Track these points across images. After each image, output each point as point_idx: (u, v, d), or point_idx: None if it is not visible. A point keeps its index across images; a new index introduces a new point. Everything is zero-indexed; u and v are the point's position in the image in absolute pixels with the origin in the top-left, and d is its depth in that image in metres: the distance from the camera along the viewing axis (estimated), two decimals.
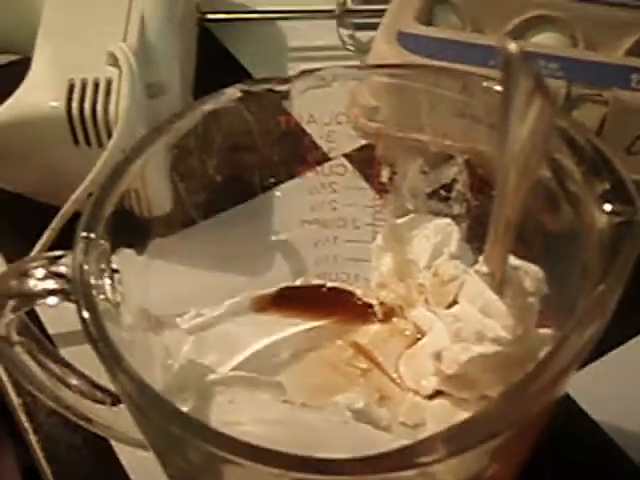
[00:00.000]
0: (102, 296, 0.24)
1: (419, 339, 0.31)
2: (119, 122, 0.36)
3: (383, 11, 0.40)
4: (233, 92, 0.29)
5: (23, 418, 0.35)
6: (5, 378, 0.36)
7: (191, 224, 0.31)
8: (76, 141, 0.37)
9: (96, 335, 0.22)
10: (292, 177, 0.32)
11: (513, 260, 0.27)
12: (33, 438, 0.34)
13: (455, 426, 0.20)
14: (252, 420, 0.26)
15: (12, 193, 0.40)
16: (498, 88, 0.26)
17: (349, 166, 0.33)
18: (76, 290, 0.24)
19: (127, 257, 0.27)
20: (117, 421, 0.30)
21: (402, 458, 0.20)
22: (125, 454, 0.33)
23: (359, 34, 0.49)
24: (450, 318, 0.28)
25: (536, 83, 0.20)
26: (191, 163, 0.30)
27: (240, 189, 0.33)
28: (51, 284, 0.25)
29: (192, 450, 0.22)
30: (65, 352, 0.33)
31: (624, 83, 0.36)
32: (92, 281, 0.24)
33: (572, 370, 0.21)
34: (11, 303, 0.26)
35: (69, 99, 0.36)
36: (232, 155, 0.31)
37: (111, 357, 0.22)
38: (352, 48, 0.49)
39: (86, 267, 0.24)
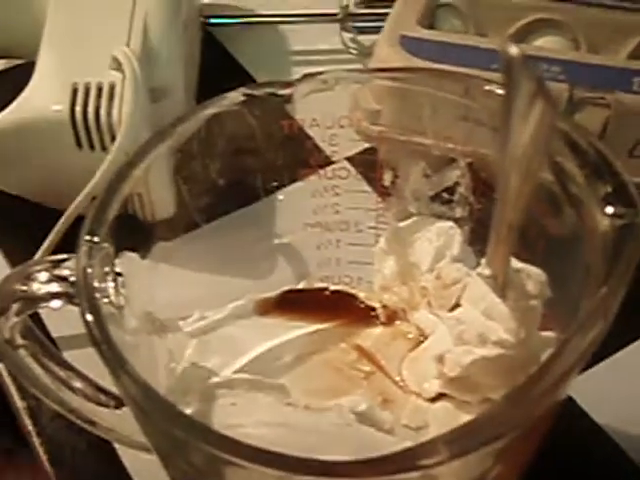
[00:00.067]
0: (106, 299, 0.24)
1: (422, 342, 0.31)
2: (122, 126, 0.36)
3: (386, 15, 0.40)
4: (236, 96, 0.29)
5: (27, 421, 0.35)
6: (9, 381, 0.36)
7: (194, 228, 0.31)
8: (79, 145, 0.37)
9: (100, 338, 0.23)
10: (295, 180, 0.32)
11: (515, 263, 0.27)
12: (37, 441, 0.34)
13: (457, 429, 0.20)
14: (255, 423, 0.26)
15: (16, 196, 0.40)
16: (500, 91, 0.26)
17: (352, 169, 0.33)
18: (80, 293, 0.24)
19: (131, 261, 0.27)
20: (121, 424, 0.30)
21: (404, 460, 0.20)
22: (129, 457, 0.33)
23: (362, 38, 0.49)
24: (453, 321, 0.28)
25: (538, 86, 0.21)
26: (194, 167, 0.30)
27: (243, 193, 0.33)
28: (55, 287, 0.25)
29: (195, 452, 0.22)
30: (69, 355, 0.33)
31: (626, 86, 0.36)
32: (96, 284, 0.24)
33: (575, 373, 0.21)
34: (15, 306, 0.26)
35: (73, 103, 0.37)
36: (235, 159, 0.31)
37: (115, 360, 0.22)
38: (355, 52, 0.49)
39: (90, 270, 0.24)
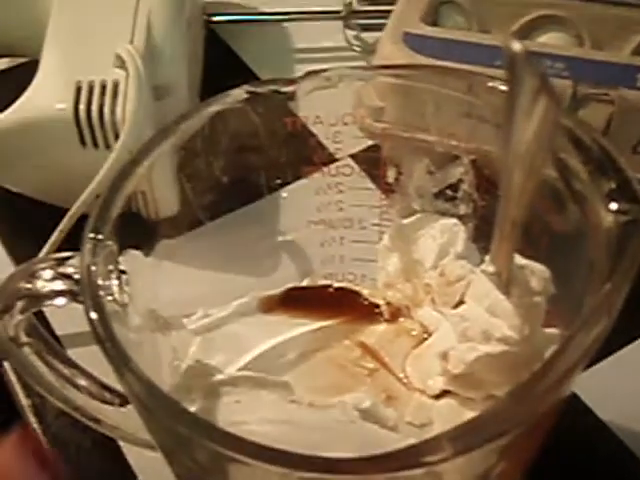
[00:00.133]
0: (110, 297, 0.24)
1: (426, 339, 0.31)
2: (126, 124, 0.36)
3: (389, 12, 0.40)
4: (239, 93, 0.29)
5: (32, 419, 0.35)
6: (14, 379, 0.36)
7: (198, 225, 0.31)
8: (83, 143, 0.37)
9: (104, 336, 0.23)
10: (298, 178, 0.32)
11: (519, 259, 0.27)
12: (42, 439, 0.35)
13: (461, 425, 0.20)
14: (259, 420, 0.26)
15: (20, 195, 0.41)
16: (504, 88, 0.26)
17: (355, 167, 0.33)
18: (84, 291, 0.24)
19: (134, 258, 0.27)
20: (125, 422, 0.30)
21: (408, 457, 0.20)
22: (133, 454, 0.33)
23: (365, 35, 0.49)
24: (457, 318, 0.28)
25: (541, 82, 0.20)
26: (198, 164, 0.30)
27: (247, 190, 0.33)
28: (59, 285, 0.25)
29: (199, 450, 0.22)
30: (73, 353, 0.33)
31: (630, 82, 0.36)
32: (100, 282, 0.24)
33: (579, 369, 0.21)
34: (19, 304, 0.26)
35: (76, 101, 0.37)
36: (238, 156, 0.31)
37: (119, 358, 0.22)
38: (358, 49, 0.49)
39: (94, 268, 0.24)
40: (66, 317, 0.34)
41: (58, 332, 0.37)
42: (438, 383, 0.29)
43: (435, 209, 0.32)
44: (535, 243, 0.27)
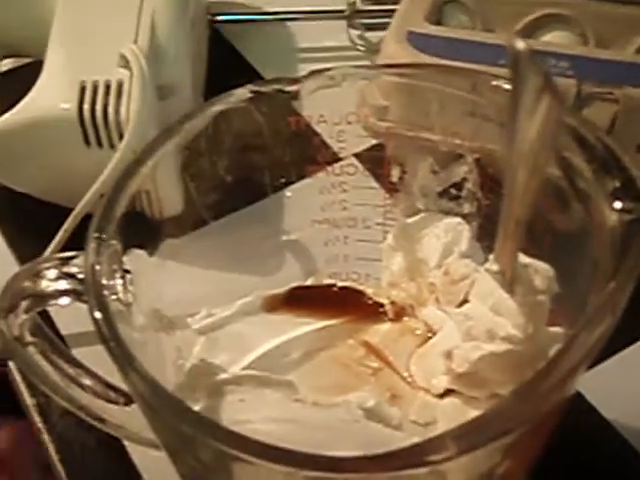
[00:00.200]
0: (114, 296, 0.24)
1: (430, 338, 0.31)
2: (130, 123, 0.36)
3: (393, 11, 0.40)
4: (243, 93, 0.29)
5: (37, 419, 0.35)
6: (19, 379, 0.36)
7: (202, 225, 0.31)
8: (88, 143, 0.37)
9: (108, 335, 0.23)
10: (302, 177, 0.32)
11: (523, 258, 0.27)
12: (47, 438, 0.35)
13: (465, 424, 0.20)
14: (263, 419, 0.26)
15: (24, 194, 0.41)
16: (508, 87, 0.26)
17: (359, 166, 0.33)
18: (88, 291, 0.24)
19: (138, 258, 0.27)
20: (130, 421, 0.30)
21: (412, 456, 0.20)
22: (138, 454, 0.33)
23: (369, 34, 0.49)
24: (461, 317, 0.28)
25: (545, 81, 0.20)
26: (202, 164, 0.30)
27: (251, 189, 0.33)
28: (63, 285, 0.25)
29: (203, 449, 0.22)
30: (78, 352, 0.33)
31: (635, 81, 0.35)
32: (104, 282, 0.24)
33: (583, 368, 0.21)
34: (24, 304, 0.26)
35: (81, 101, 0.37)
36: (242, 156, 0.31)
37: (123, 357, 0.22)
38: (362, 48, 0.49)
39: (98, 268, 0.24)
40: (70, 317, 0.34)
41: (63, 332, 0.37)
42: (442, 382, 0.28)
43: (439, 208, 0.32)
44: (539, 242, 0.27)
